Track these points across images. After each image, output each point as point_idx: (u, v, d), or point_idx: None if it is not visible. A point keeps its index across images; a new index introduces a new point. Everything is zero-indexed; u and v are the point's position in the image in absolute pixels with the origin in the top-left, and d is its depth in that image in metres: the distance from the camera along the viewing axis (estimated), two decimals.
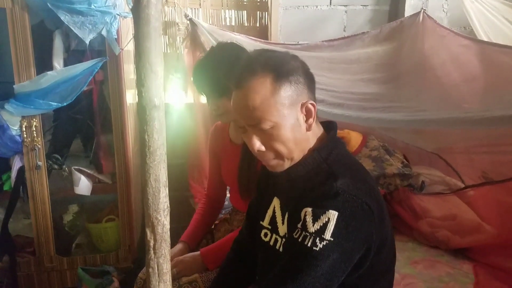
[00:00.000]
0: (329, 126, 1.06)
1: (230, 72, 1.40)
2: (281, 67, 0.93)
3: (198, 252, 1.52)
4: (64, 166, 2.20)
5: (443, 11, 2.76)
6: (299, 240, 0.90)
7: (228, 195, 1.85)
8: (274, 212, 1.09)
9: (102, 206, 2.39)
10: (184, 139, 2.46)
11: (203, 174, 2.48)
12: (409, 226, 1.98)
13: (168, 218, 0.71)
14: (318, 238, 0.87)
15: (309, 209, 0.90)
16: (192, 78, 1.53)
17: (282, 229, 1.05)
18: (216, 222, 1.82)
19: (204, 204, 1.77)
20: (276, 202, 1.09)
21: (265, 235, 1.11)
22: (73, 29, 1.78)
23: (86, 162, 2.30)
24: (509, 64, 1.70)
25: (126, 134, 2.08)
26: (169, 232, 0.73)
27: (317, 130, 1.01)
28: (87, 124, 2.27)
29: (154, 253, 0.71)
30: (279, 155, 0.97)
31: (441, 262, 1.79)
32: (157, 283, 0.72)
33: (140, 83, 0.58)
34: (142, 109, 0.59)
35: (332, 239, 0.87)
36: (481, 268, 1.72)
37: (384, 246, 0.97)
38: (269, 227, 1.10)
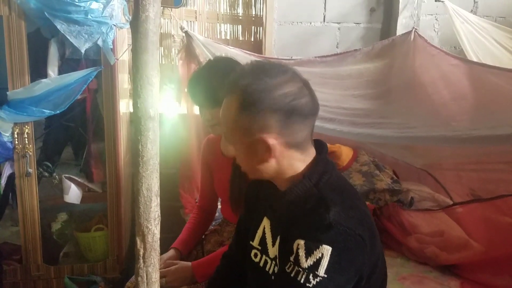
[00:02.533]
0: (319, 147, 1.03)
1: (223, 84, 1.43)
2: (249, 95, 0.91)
3: (189, 264, 1.52)
4: (54, 174, 2.19)
5: (434, 30, 2.83)
6: (292, 275, 0.88)
7: (219, 206, 1.86)
8: (264, 233, 1.08)
9: (91, 215, 2.37)
10: (176, 149, 2.47)
11: (194, 184, 2.48)
12: (398, 242, 1.99)
13: (158, 227, 0.72)
14: (311, 275, 0.86)
15: (302, 242, 0.88)
16: (187, 88, 1.56)
17: (272, 251, 1.04)
18: (206, 233, 1.83)
19: (196, 215, 1.78)
20: (266, 223, 1.08)
21: (255, 255, 1.11)
22: (69, 38, 1.79)
23: (76, 170, 2.29)
24: (497, 84, 1.74)
25: (118, 144, 2.08)
26: (159, 242, 0.74)
27: (303, 157, 0.98)
28: (79, 132, 2.27)
29: (144, 262, 0.72)
30: (246, 170, 1.01)
31: (429, 278, 1.80)
32: None
33: (137, 94, 0.59)
34: (137, 119, 0.61)
35: (326, 276, 0.85)
36: (468, 285, 1.73)
37: (375, 272, 0.97)
38: (259, 247, 1.10)
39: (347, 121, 2.08)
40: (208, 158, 1.74)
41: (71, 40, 1.79)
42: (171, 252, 1.61)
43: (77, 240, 2.32)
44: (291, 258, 0.89)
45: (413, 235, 1.96)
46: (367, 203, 2.15)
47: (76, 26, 1.77)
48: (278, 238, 1.01)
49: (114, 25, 1.86)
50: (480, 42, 2.39)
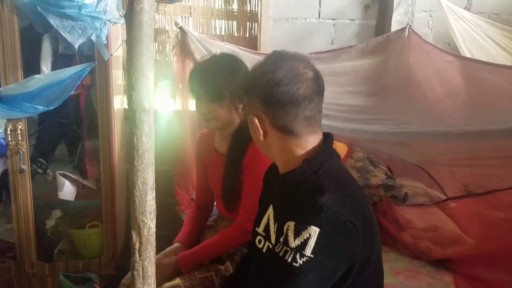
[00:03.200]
0: (326, 138, 1.06)
1: (228, 80, 1.44)
2: (244, 83, 1.07)
3: (175, 257, 1.53)
4: (48, 171, 2.18)
5: (428, 27, 2.83)
6: (280, 254, 0.90)
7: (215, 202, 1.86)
8: (268, 220, 1.11)
9: (86, 212, 2.36)
10: (171, 146, 2.46)
11: (190, 181, 2.48)
12: (392, 237, 2.00)
13: (154, 221, 0.72)
14: (298, 254, 0.87)
15: (292, 223, 0.90)
16: (189, 79, 1.55)
17: (273, 237, 1.06)
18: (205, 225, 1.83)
19: (193, 211, 1.79)
20: (271, 211, 1.10)
21: (259, 241, 1.13)
22: (62, 33, 1.77)
23: (70, 167, 2.27)
24: (490, 80, 1.75)
25: (112, 140, 2.07)
26: (154, 235, 0.73)
27: (298, 142, 1.01)
28: (73, 128, 2.25)
29: (139, 255, 0.71)
30: None
31: (423, 272, 1.81)
32: (141, 286, 0.73)
33: (131, 87, 0.59)
34: (132, 112, 0.60)
35: (312, 256, 0.86)
36: (461, 279, 1.75)
37: (368, 266, 0.96)
38: (263, 234, 1.12)
39: (342, 117, 2.09)
40: (201, 153, 1.74)
41: (64, 35, 1.78)
42: (175, 245, 1.62)
43: (72, 237, 2.31)
44: (281, 239, 0.92)
45: (407, 230, 1.97)
46: None
47: (70, 21, 1.76)
48: (276, 224, 1.04)
49: (108, 20, 1.84)
50: (474, 39, 2.40)
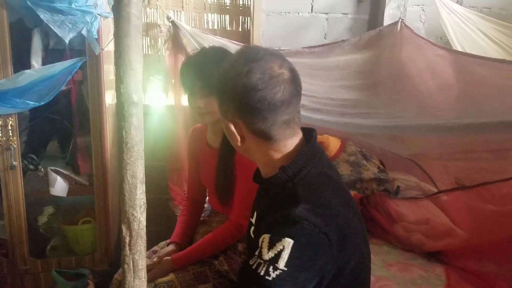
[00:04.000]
0: (309, 136, 1.03)
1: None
2: (217, 85, 1.00)
3: (168, 259, 1.53)
4: (39, 167, 2.16)
5: (421, 21, 2.84)
6: (253, 267, 0.88)
7: (207, 197, 1.86)
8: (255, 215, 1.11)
9: (79, 208, 2.35)
10: (164, 141, 2.46)
11: (183, 176, 2.47)
12: (384, 230, 2.02)
13: (144, 215, 0.72)
14: (271, 267, 0.85)
15: (267, 236, 0.88)
16: (180, 74, 1.53)
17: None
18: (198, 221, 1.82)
19: (187, 206, 1.78)
20: (256, 204, 1.11)
21: (253, 231, 1.13)
22: (52, 28, 1.75)
23: (62, 163, 2.26)
24: (481, 74, 1.76)
25: (104, 135, 2.06)
26: (145, 229, 0.73)
27: (276, 146, 0.98)
28: (64, 124, 2.24)
29: (130, 249, 0.71)
30: None
31: (415, 265, 1.83)
32: (132, 279, 0.73)
33: (119, 80, 0.58)
34: (120, 105, 0.60)
35: (285, 269, 0.84)
36: (453, 271, 1.77)
37: (341, 274, 0.94)
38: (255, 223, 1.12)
39: (335, 111, 2.10)
40: (194, 148, 1.74)
41: (54, 30, 1.76)
42: (170, 247, 1.60)
43: (65, 233, 2.30)
44: (256, 253, 0.90)
45: (399, 223, 1.99)
46: (354, 192, 2.18)
47: (60, 15, 1.74)
48: (255, 215, 1.05)
49: (99, 15, 1.83)
50: (466, 32, 2.41)
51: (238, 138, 0.99)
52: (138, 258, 0.74)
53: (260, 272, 0.86)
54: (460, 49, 2.32)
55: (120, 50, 0.57)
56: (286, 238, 0.85)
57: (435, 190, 2.18)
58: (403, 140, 2.25)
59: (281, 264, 0.84)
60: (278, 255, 0.85)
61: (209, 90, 1.44)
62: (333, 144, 2.44)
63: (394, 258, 1.88)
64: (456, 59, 1.91)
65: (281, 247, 0.85)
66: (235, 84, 0.93)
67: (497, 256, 1.73)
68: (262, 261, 0.86)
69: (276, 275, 0.84)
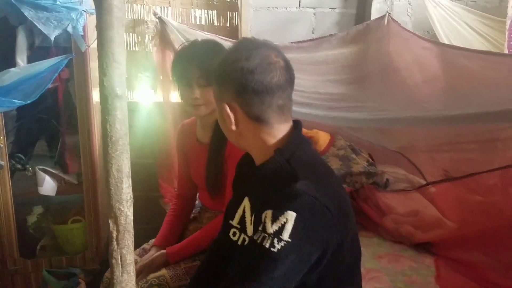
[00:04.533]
0: (295, 125, 1.07)
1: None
2: (217, 70, 1.04)
3: (163, 251, 1.52)
4: (27, 166, 2.14)
5: (408, 15, 2.86)
6: (258, 241, 0.90)
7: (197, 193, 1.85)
8: (244, 212, 1.10)
9: (68, 207, 2.33)
10: (153, 138, 2.45)
11: (173, 173, 2.46)
12: (374, 222, 2.03)
13: (131, 209, 0.71)
14: (276, 239, 0.87)
15: (270, 211, 0.91)
16: (176, 64, 1.51)
17: (250, 229, 1.06)
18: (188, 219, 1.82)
19: (176, 205, 1.76)
20: (246, 202, 1.10)
21: (234, 234, 1.12)
22: (37, 25, 1.73)
23: (51, 162, 2.24)
24: (467, 66, 1.78)
25: (92, 133, 2.04)
26: (132, 224, 0.73)
27: (270, 131, 1.02)
28: (52, 123, 2.22)
29: (117, 244, 0.71)
30: None
31: (404, 256, 1.85)
32: (120, 274, 0.72)
33: (102, 73, 0.58)
34: (104, 98, 0.60)
35: (290, 240, 0.87)
36: (442, 262, 1.79)
37: (342, 249, 0.97)
38: (238, 226, 1.11)
39: (324, 105, 2.10)
40: (183, 144, 1.72)
41: (39, 27, 1.73)
42: (153, 251, 1.59)
43: (54, 232, 2.28)
44: (259, 228, 0.92)
45: (389, 215, 2.01)
46: (344, 186, 2.19)
47: (45, 12, 1.72)
48: (253, 215, 1.04)
49: (84, 11, 1.81)
50: (452, 25, 2.43)
51: (233, 121, 1.01)
52: (126, 253, 0.73)
53: (265, 245, 0.88)
54: (446, 42, 2.35)
55: (103, 42, 0.57)
56: (289, 211, 0.88)
57: (424, 182, 2.20)
58: (391, 133, 2.27)
59: (285, 235, 0.87)
60: (282, 228, 0.87)
61: (207, 80, 1.42)
62: (322, 139, 2.45)
63: (384, 250, 1.89)
64: (442, 52, 1.93)
65: (285, 220, 0.88)
66: (234, 68, 0.98)
67: (485, 246, 1.75)
68: (266, 235, 0.89)
69: (281, 246, 0.87)
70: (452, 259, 1.79)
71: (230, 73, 0.99)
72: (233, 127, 1.02)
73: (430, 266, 1.77)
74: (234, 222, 1.13)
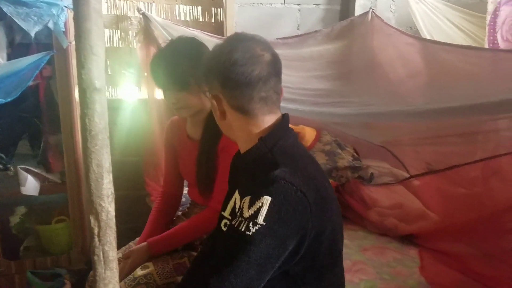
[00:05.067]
0: (282, 117, 1.09)
1: (192, 67, 1.41)
2: (206, 62, 1.07)
3: (145, 243, 1.50)
4: (9, 166, 2.11)
5: (391, 11, 2.88)
6: (235, 226, 0.92)
7: (185, 190, 1.83)
8: (235, 203, 1.10)
9: (52, 207, 2.30)
10: (138, 136, 2.42)
11: (159, 171, 2.44)
12: (359, 216, 2.06)
13: (113, 205, 0.70)
14: (251, 223, 0.89)
15: (248, 198, 0.93)
16: (151, 71, 1.51)
17: None
18: (174, 218, 1.80)
19: (160, 202, 1.73)
20: (237, 195, 1.10)
21: (225, 225, 1.12)
22: (17, 21, 1.70)
23: (33, 161, 2.21)
24: (449, 60, 1.80)
25: (75, 131, 2.02)
26: (114, 220, 0.72)
27: (255, 121, 1.04)
28: (34, 122, 2.19)
29: (99, 240, 0.70)
30: None
31: (389, 248, 1.87)
32: (103, 271, 0.71)
33: (80, 65, 0.57)
34: (82, 92, 0.59)
35: (264, 223, 0.89)
36: (426, 253, 1.82)
37: (322, 237, 0.98)
38: (230, 217, 1.11)
39: (309, 101, 2.11)
40: (172, 140, 1.70)
41: (19, 23, 1.71)
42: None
43: (38, 233, 2.25)
44: (238, 213, 0.94)
45: (374, 208, 2.03)
46: (330, 181, 2.21)
47: (24, 8, 1.69)
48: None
49: (65, 7, 1.78)
50: (434, 21, 2.46)
51: (218, 113, 1.05)
52: (108, 249, 0.72)
53: (241, 228, 0.90)
54: (429, 38, 2.37)
55: (80, 34, 0.56)
56: (265, 196, 0.90)
57: (407, 176, 2.23)
58: (375, 127, 2.30)
59: (260, 219, 0.89)
60: (257, 212, 0.90)
61: (181, 85, 1.42)
62: (309, 134, 2.46)
63: (370, 242, 1.91)
64: (424, 47, 1.96)
65: (260, 204, 0.90)
66: (218, 61, 1.01)
67: (468, 236, 1.79)
68: (243, 219, 0.91)
69: (256, 229, 0.89)
70: (436, 250, 1.82)
71: (215, 66, 1.02)
72: (221, 117, 1.06)
73: (415, 258, 1.80)
74: (226, 213, 1.14)
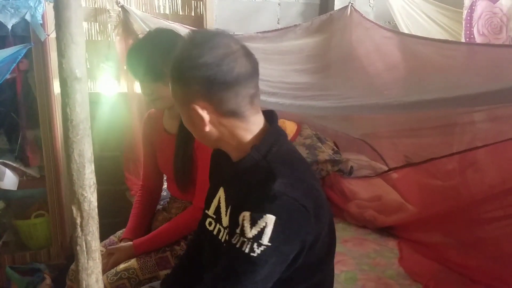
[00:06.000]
0: (269, 117, 1.03)
1: (167, 58, 1.39)
2: (176, 69, 0.95)
3: (130, 243, 1.51)
4: None
5: (369, 6, 2.92)
6: (237, 246, 0.88)
7: (165, 185, 1.83)
8: (219, 202, 1.09)
9: (30, 201, 2.26)
10: (117, 131, 2.40)
11: (139, 165, 2.41)
12: (339, 208, 2.09)
13: (95, 195, 0.70)
14: (256, 244, 0.86)
15: (247, 214, 0.89)
16: (126, 62, 1.50)
17: (225, 220, 1.05)
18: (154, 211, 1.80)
19: (141, 196, 1.73)
20: (221, 193, 1.09)
21: (210, 224, 1.12)
22: None
23: (11, 156, 2.17)
24: (425, 53, 1.85)
25: (54, 126, 1.99)
26: (96, 210, 0.72)
27: (245, 125, 0.98)
28: (11, 116, 2.14)
29: (82, 230, 0.70)
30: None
31: (369, 240, 1.91)
32: (85, 261, 0.71)
33: (61, 54, 0.57)
34: (63, 81, 0.59)
35: (270, 244, 0.86)
36: (405, 244, 1.87)
37: (318, 241, 0.97)
38: (214, 216, 1.10)
39: (289, 94, 2.13)
40: (150, 134, 1.70)
41: None
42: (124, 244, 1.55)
43: (17, 228, 2.22)
44: (237, 230, 0.90)
45: (353, 201, 2.07)
46: None
47: (1, 0, 1.65)
48: (230, 208, 1.02)
49: None
50: (411, 16, 2.51)
51: (207, 121, 0.94)
52: (91, 239, 0.72)
53: (245, 250, 0.87)
54: (406, 32, 2.42)
55: (60, 23, 0.56)
56: (268, 215, 0.86)
57: (386, 168, 2.27)
58: (354, 120, 2.33)
59: (265, 240, 0.86)
60: (261, 232, 0.86)
61: (154, 76, 1.41)
62: (289, 128, 2.48)
63: (349, 234, 1.95)
64: (401, 40, 2.00)
65: (264, 224, 0.86)
66: (196, 64, 0.91)
67: (445, 227, 1.84)
68: (246, 239, 0.87)
69: (261, 250, 0.86)
70: (414, 241, 1.87)
71: (193, 71, 0.92)
72: (207, 128, 0.96)
73: (393, 249, 1.84)
74: (210, 212, 1.12)
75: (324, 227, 0.99)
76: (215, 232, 1.09)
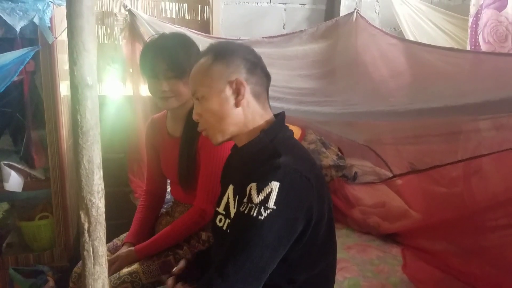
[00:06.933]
0: (278, 114, 1.14)
1: (188, 56, 1.41)
2: (221, 49, 1.09)
3: (131, 249, 1.51)
4: None
5: (375, 12, 2.93)
6: (245, 212, 0.94)
7: (168, 188, 1.84)
8: (228, 198, 1.13)
9: (35, 203, 2.27)
10: (122, 133, 2.41)
11: (143, 168, 2.43)
12: (343, 214, 2.09)
13: (103, 200, 0.71)
14: (262, 208, 0.92)
15: (254, 184, 0.96)
16: (142, 58, 1.50)
17: (233, 212, 1.09)
18: (158, 215, 1.80)
19: (145, 200, 1.74)
20: (230, 189, 1.13)
21: (220, 220, 1.15)
22: (2, 15, 1.67)
23: (16, 157, 2.18)
24: (430, 61, 1.85)
25: (60, 127, 2.00)
26: (104, 215, 0.73)
27: (263, 112, 1.09)
28: (16, 117, 2.15)
29: (89, 235, 0.71)
30: (210, 126, 1.09)
31: (372, 246, 1.90)
32: (92, 266, 0.72)
33: (73, 62, 0.58)
34: (74, 88, 0.59)
35: (275, 207, 0.92)
36: (408, 251, 1.86)
37: (321, 223, 1.02)
38: (224, 212, 1.14)
39: (294, 100, 2.13)
40: (153, 139, 1.70)
41: (4, 17, 1.68)
42: (124, 248, 1.56)
43: (21, 229, 2.22)
44: (245, 200, 0.96)
45: (357, 207, 2.06)
46: None
47: (10, 2, 1.66)
48: (237, 197, 1.07)
49: (51, 2, 1.76)
50: (417, 23, 2.51)
51: (241, 97, 1.04)
52: (98, 245, 0.73)
53: (253, 214, 0.93)
54: (412, 39, 2.42)
55: (73, 31, 0.56)
56: (273, 182, 0.94)
57: (390, 175, 2.27)
58: (359, 126, 2.33)
59: (271, 203, 0.92)
60: (267, 197, 0.93)
61: (174, 73, 1.42)
62: (294, 133, 2.48)
63: (353, 240, 1.95)
64: (407, 48, 2.00)
65: (269, 190, 0.93)
66: (242, 49, 1.08)
67: (448, 234, 1.83)
68: (253, 205, 0.94)
69: (268, 213, 0.92)
70: (418, 248, 1.86)
71: (238, 51, 1.07)
72: (236, 107, 1.06)
73: (397, 256, 1.83)
74: (220, 209, 1.16)
75: (325, 211, 1.05)
76: (224, 228, 1.12)
